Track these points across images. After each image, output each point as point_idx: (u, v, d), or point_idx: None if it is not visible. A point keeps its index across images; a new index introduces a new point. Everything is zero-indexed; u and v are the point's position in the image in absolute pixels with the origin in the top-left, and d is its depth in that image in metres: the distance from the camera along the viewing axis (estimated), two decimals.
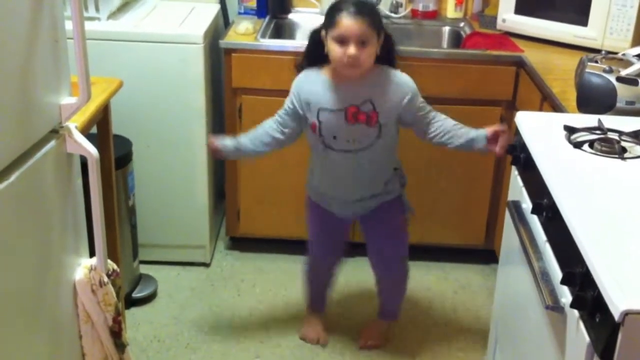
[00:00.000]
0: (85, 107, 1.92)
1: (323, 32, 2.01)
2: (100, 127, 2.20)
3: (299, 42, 2.86)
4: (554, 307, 1.36)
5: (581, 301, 1.23)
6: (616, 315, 1.11)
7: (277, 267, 2.92)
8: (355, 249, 2.62)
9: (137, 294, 2.67)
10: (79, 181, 1.44)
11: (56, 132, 1.36)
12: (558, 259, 1.45)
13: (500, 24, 2.87)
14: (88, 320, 1.42)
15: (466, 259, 2.98)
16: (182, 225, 2.84)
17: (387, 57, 2.09)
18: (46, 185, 1.33)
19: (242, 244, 3.04)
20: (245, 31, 2.74)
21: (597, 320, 1.18)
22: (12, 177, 1.19)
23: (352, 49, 1.92)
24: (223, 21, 2.95)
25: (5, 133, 1.18)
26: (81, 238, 1.47)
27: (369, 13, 1.94)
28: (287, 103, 2.16)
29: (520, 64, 2.63)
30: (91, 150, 1.37)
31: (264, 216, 2.92)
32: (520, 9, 2.82)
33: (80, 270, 1.44)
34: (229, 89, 2.73)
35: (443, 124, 2.11)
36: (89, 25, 2.51)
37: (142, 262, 2.76)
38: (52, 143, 1.34)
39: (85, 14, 2.62)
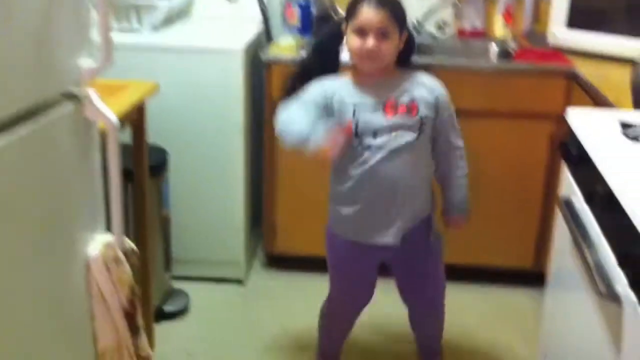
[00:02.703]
0: (117, 100, 1.92)
1: (344, 25, 1.91)
2: (135, 132, 2.16)
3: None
4: (609, 295, 1.21)
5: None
6: None
7: (314, 287, 2.79)
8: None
9: (168, 308, 2.58)
10: (97, 154, 1.37)
11: (74, 96, 1.30)
12: (614, 250, 1.31)
13: (551, 39, 2.76)
14: (101, 301, 1.34)
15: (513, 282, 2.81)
16: (217, 241, 2.77)
17: (408, 58, 1.96)
18: (61, 150, 1.26)
19: (280, 262, 2.94)
20: (287, 45, 2.70)
21: None
22: (23, 131, 1.13)
23: (370, 41, 1.81)
24: (265, 38, 2.91)
25: (15, 78, 1.11)
26: (97, 213, 1.40)
27: (391, 5, 1.84)
28: (309, 101, 1.87)
29: (572, 77, 2.52)
30: (110, 116, 1.31)
31: (302, 233, 2.82)
32: (572, 22, 2.70)
33: (95, 246, 1.36)
34: (269, 103, 2.67)
35: (450, 153, 1.97)
36: (130, 37, 2.58)
37: (176, 277, 2.69)
38: (70, 106, 1.28)
39: (127, 27, 2.63)
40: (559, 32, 2.74)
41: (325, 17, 2.88)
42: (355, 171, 1.89)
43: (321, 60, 1.98)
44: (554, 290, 1.84)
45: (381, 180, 1.88)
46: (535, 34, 2.94)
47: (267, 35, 2.89)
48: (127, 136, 2.12)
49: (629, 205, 1.23)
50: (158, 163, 2.45)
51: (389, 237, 1.92)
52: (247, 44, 2.62)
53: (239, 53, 2.55)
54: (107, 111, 1.32)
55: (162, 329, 2.48)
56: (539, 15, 3.00)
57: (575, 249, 1.46)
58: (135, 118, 2.08)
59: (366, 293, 2.12)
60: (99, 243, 1.37)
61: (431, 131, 1.91)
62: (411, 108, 1.87)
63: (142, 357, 1.49)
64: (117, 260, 1.37)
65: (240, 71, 2.56)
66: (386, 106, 1.87)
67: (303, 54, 2.09)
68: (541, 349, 1.91)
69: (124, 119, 1.94)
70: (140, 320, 1.44)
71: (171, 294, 2.64)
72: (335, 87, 1.89)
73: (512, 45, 2.86)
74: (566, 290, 1.67)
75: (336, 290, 2.14)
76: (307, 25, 2.93)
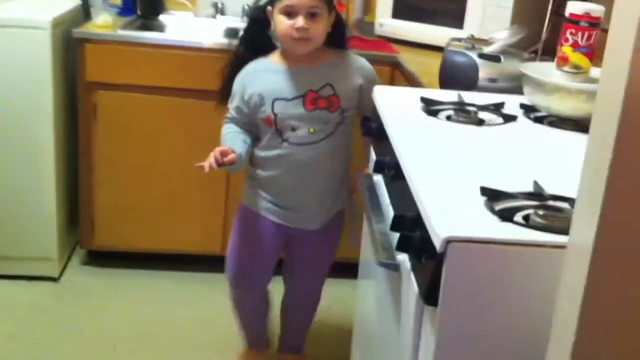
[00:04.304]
0: None
1: (269, 8, 1.80)
2: None
3: (163, 35, 2.69)
4: (388, 263, 1.16)
5: (407, 241, 1.04)
6: (438, 245, 0.92)
7: (135, 284, 2.64)
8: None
9: None
10: None
11: None
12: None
13: (378, 29, 2.78)
14: None
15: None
16: (26, 235, 2.54)
17: (338, 39, 1.89)
18: None
19: (100, 258, 2.74)
20: (103, 23, 2.53)
21: (423, 261, 0.99)
22: None
23: (300, 21, 1.73)
24: (83, 16, 2.72)
25: None
26: None
27: None
28: (232, 110, 1.89)
29: (395, 65, 2.52)
30: None
31: (123, 227, 2.65)
32: (397, 13, 2.73)
33: None
34: (82, 84, 2.48)
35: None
36: None
37: None
38: None
39: None
40: (385, 22, 2.76)
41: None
42: (275, 163, 1.87)
43: (252, 49, 1.89)
44: (362, 274, 1.80)
45: (303, 169, 1.86)
46: (365, 24, 2.95)
47: (85, 13, 2.69)
48: None
49: (408, 171, 1.19)
50: None
51: (314, 222, 1.92)
52: (57, 18, 2.40)
53: (46, 26, 2.33)
54: None
55: None
56: (370, 6, 3.02)
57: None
58: None
59: (269, 271, 2.03)
60: None
61: (354, 113, 1.89)
62: (331, 103, 1.82)
63: None
64: None
65: (48, 48, 2.35)
66: (306, 99, 1.81)
67: (234, 44, 1.96)
68: (354, 336, 1.87)
69: None
70: None
71: None
72: (259, 80, 1.84)
73: None
74: (368, 268, 1.62)
75: (240, 270, 2.01)
76: (129, 4, 2.78)
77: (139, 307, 2.51)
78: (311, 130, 1.83)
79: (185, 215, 2.64)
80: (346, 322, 2.40)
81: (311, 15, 1.75)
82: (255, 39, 1.88)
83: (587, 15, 1.55)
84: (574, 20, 1.56)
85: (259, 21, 1.85)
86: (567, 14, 1.58)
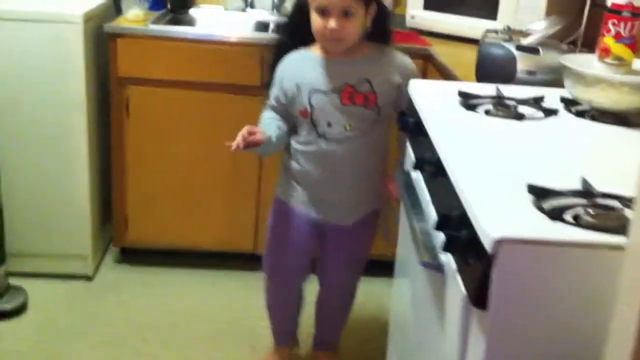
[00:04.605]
0: None
1: (309, 0, 1.78)
2: None
3: (195, 29, 2.69)
4: (431, 263, 1.14)
5: (454, 241, 1.01)
6: (488, 246, 0.90)
7: (166, 281, 2.64)
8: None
9: (2, 306, 2.35)
10: None
11: None
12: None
13: (409, 21, 2.74)
14: None
15: None
16: (59, 233, 2.55)
17: (381, 32, 1.85)
18: None
19: (132, 255, 2.75)
20: (134, 17, 2.52)
21: (471, 262, 0.97)
22: None
23: (332, 22, 1.71)
24: (115, 10, 2.72)
25: None
26: None
27: None
28: (272, 99, 1.89)
29: (427, 58, 2.49)
30: None
31: (154, 224, 2.65)
32: (429, 5, 2.70)
33: None
34: (114, 79, 2.49)
35: None
36: None
37: (13, 273, 2.45)
38: None
39: None
40: (416, 14, 2.72)
41: None
42: (310, 155, 1.85)
43: (293, 38, 1.87)
44: (399, 272, 1.77)
45: (334, 165, 1.84)
46: (396, 16, 2.90)
47: (116, 8, 2.69)
48: None
49: (451, 168, 1.16)
50: None
51: (347, 220, 1.90)
52: (88, 13, 2.40)
53: (78, 20, 2.33)
54: None
55: None
56: None
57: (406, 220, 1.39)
58: None
59: (307, 266, 2.03)
60: None
61: (390, 110, 1.85)
62: (368, 99, 1.80)
63: None
64: None
65: (80, 42, 2.34)
66: (343, 92, 1.79)
67: (276, 34, 1.95)
68: (390, 336, 1.85)
69: None
70: None
71: (6, 291, 2.40)
72: (297, 70, 1.82)
73: None
74: (406, 267, 1.60)
75: (277, 264, 2.01)
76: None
77: (170, 302, 2.51)
78: (347, 127, 1.80)
79: (217, 212, 2.64)
80: (380, 319, 2.39)
81: (345, 14, 1.71)
82: (297, 29, 1.84)
83: (630, 5, 1.50)
84: (617, 11, 1.52)
85: (301, 11, 1.80)
86: (609, 4, 1.53)
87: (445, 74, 2.19)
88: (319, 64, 1.81)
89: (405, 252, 1.51)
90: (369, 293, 2.41)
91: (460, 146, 1.28)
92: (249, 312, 2.44)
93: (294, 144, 1.88)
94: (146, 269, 2.70)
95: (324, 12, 1.72)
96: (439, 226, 1.09)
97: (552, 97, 1.62)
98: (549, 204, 1.01)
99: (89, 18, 2.40)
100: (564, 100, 1.61)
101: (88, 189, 2.51)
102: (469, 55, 2.38)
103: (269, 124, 1.86)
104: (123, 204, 2.63)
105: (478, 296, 0.93)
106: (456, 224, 1.06)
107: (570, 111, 1.57)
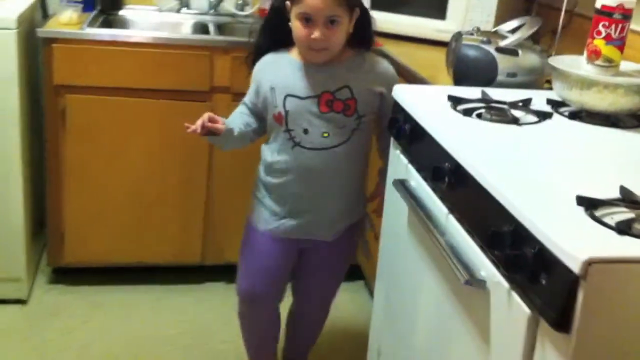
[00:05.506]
0: None
1: (288, 3, 1.65)
2: None
3: (135, 32, 2.52)
4: (474, 280, 1.08)
5: (518, 261, 0.96)
6: (575, 268, 0.84)
7: (111, 300, 2.46)
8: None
9: None
10: None
11: None
12: (469, 228, 1.18)
13: None
14: None
15: None
16: None
17: (362, 38, 1.75)
18: None
19: (68, 275, 2.55)
20: (69, 20, 2.33)
21: (544, 282, 0.92)
22: None
23: (317, 33, 1.60)
24: (42, 13, 2.50)
25: None
26: None
27: None
28: (247, 99, 1.80)
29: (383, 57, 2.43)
30: None
31: (92, 240, 2.46)
32: (376, 4, 2.64)
33: None
34: (49, 87, 2.28)
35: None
36: None
37: None
38: None
39: None
40: None
41: None
42: (284, 165, 1.75)
43: (272, 40, 1.75)
44: (385, 283, 1.70)
45: (310, 175, 1.75)
46: None
47: (42, 10, 2.48)
48: None
49: (487, 181, 1.11)
50: None
51: (327, 233, 1.80)
52: (20, 14, 2.19)
53: (12, 25, 2.12)
54: None
55: None
56: None
57: (421, 234, 1.32)
58: None
59: (283, 287, 1.92)
60: None
61: (372, 120, 1.77)
62: (348, 106, 1.69)
63: None
64: None
65: (14, 49, 2.14)
66: (321, 100, 1.68)
67: (254, 36, 1.81)
68: (372, 346, 1.78)
69: None
70: None
71: None
72: (273, 72, 1.73)
73: None
74: (406, 280, 1.54)
75: (251, 287, 1.87)
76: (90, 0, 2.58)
77: (119, 325, 2.34)
78: (324, 134, 1.72)
79: (162, 224, 2.48)
80: (349, 327, 2.32)
81: (330, 22, 1.62)
82: (276, 31, 1.73)
83: (620, 7, 1.50)
84: (607, 12, 1.51)
85: (280, 12, 1.70)
86: (598, 5, 1.53)
87: (409, 77, 2.14)
88: (297, 69, 1.71)
89: (415, 263, 1.45)
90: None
91: (482, 155, 1.23)
92: (208, 328, 2.31)
93: (268, 156, 1.77)
94: (84, 289, 2.51)
95: (307, 21, 1.62)
96: (491, 244, 1.03)
97: (538, 99, 1.61)
98: (602, 214, 0.98)
99: (21, 22, 2.18)
100: (550, 102, 1.60)
101: (22, 205, 2.30)
102: (424, 55, 2.37)
103: (237, 117, 1.78)
104: (59, 221, 2.42)
105: (561, 319, 0.87)
106: (510, 241, 1.01)
107: (561, 114, 1.55)
